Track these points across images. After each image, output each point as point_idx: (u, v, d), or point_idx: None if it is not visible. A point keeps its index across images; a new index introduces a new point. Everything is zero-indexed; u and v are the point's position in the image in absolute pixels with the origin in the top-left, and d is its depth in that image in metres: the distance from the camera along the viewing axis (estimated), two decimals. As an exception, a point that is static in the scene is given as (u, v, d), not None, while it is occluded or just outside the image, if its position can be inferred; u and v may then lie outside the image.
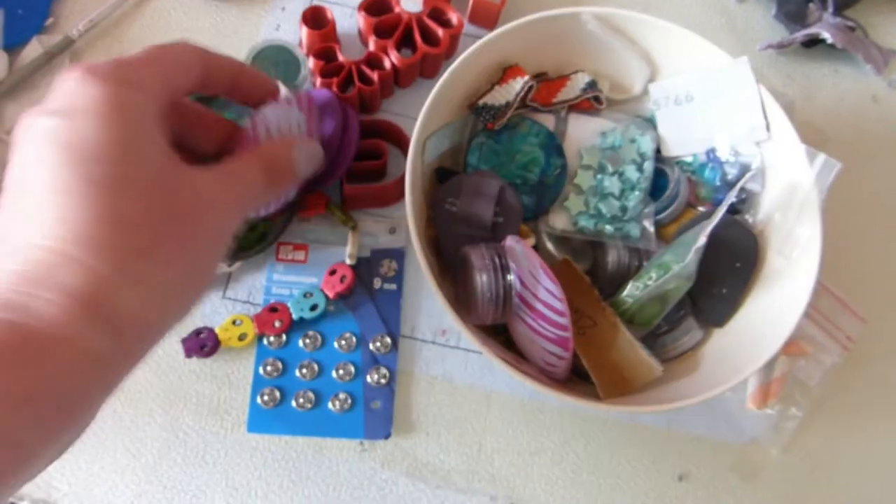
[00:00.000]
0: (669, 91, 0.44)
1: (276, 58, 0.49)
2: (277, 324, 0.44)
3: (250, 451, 0.43)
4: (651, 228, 0.43)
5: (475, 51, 0.42)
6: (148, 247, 0.25)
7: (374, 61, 0.49)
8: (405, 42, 0.50)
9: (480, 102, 0.45)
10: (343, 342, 0.45)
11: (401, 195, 0.44)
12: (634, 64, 0.46)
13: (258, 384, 0.44)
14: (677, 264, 0.40)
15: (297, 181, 0.35)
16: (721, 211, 0.40)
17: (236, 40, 0.52)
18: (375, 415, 0.44)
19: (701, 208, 0.45)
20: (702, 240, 0.39)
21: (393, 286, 0.46)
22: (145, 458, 0.43)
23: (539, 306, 0.38)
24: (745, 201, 0.44)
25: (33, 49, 0.49)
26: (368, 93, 0.48)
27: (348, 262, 0.46)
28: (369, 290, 0.46)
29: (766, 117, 0.42)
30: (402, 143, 0.49)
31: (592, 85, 0.46)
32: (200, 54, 0.31)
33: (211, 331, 0.44)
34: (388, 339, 0.45)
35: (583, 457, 0.45)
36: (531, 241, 0.43)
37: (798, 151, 0.41)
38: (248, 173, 0.31)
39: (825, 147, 0.53)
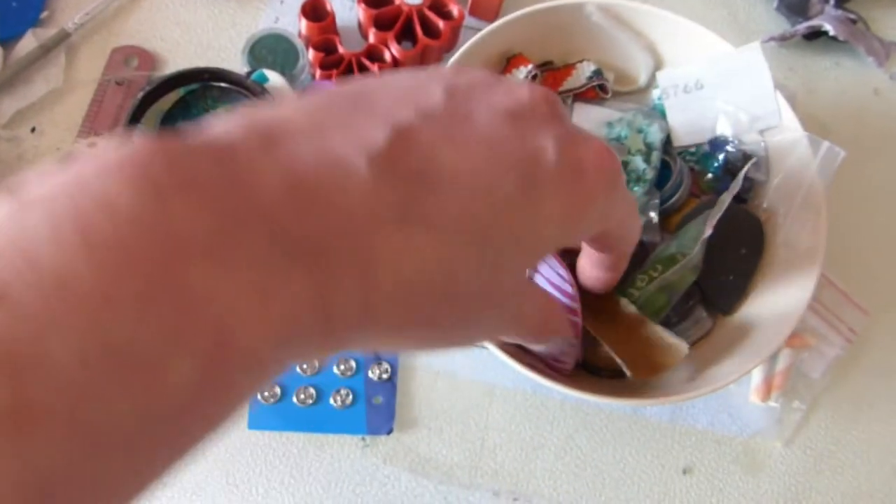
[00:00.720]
0: (678, 79, 0.44)
1: (275, 46, 0.48)
2: (278, 319, 0.44)
3: (251, 448, 0.43)
4: (656, 220, 0.43)
5: (478, 41, 0.42)
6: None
7: (374, 53, 0.48)
8: (405, 34, 0.50)
9: (484, 93, 0.44)
10: (344, 337, 0.45)
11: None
12: (639, 55, 0.45)
13: (259, 380, 0.44)
14: (683, 256, 0.40)
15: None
16: (727, 200, 0.40)
17: (234, 33, 0.51)
18: (377, 410, 0.44)
19: (703, 197, 0.45)
20: (708, 230, 0.39)
21: (394, 280, 0.46)
22: (145, 455, 0.42)
23: (550, 289, 0.37)
24: (750, 190, 0.43)
25: (28, 42, 0.48)
26: (368, 85, 0.47)
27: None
28: (370, 285, 0.46)
29: (777, 103, 0.42)
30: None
31: (598, 73, 0.45)
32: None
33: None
34: (390, 334, 0.45)
35: (586, 451, 0.45)
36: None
37: (801, 139, 0.40)
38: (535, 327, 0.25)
39: (828, 139, 0.53)
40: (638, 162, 0.44)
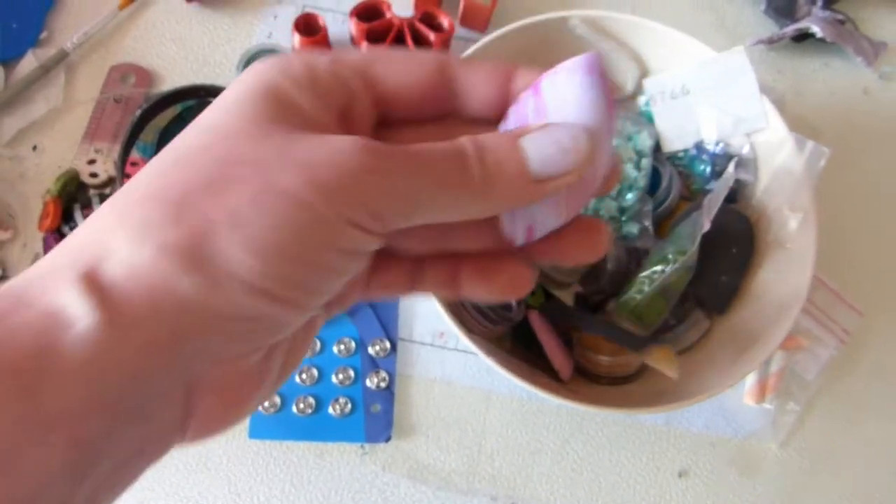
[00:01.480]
0: (665, 85, 0.45)
1: (269, 64, 0.49)
2: (276, 330, 0.45)
3: (252, 457, 0.44)
4: (650, 226, 0.43)
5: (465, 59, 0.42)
6: None
7: (366, 67, 0.49)
8: (397, 46, 0.51)
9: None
10: (342, 347, 0.45)
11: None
12: (624, 64, 0.46)
13: (258, 390, 0.44)
14: (681, 255, 0.40)
15: (543, 192, 0.18)
16: (722, 195, 0.40)
17: (229, 49, 0.52)
18: (375, 418, 0.44)
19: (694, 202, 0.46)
20: (706, 225, 0.39)
21: (390, 290, 0.47)
22: (148, 466, 0.43)
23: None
24: (738, 191, 0.44)
25: (28, 63, 0.49)
26: (361, 98, 0.48)
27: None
28: (367, 295, 0.47)
29: (763, 106, 0.42)
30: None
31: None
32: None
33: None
34: (387, 343, 0.45)
35: (582, 455, 0.45)
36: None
37: (787, 140, 0.41)
38: (440, 162, 0.17)
39: (817, 140, 0.54)
40: (629, 169, 0.44)
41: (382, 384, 0.45)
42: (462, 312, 0.40)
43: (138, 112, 0.45)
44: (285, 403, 0.44)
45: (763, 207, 0.43)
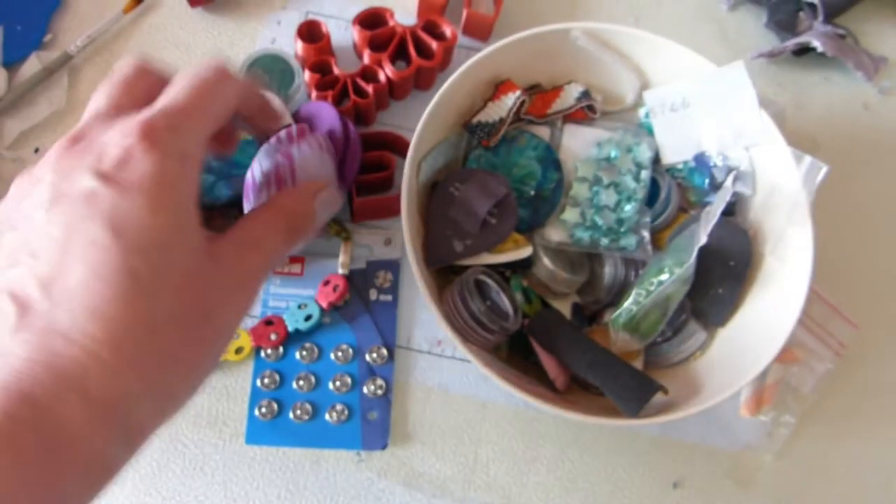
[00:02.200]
0: (665, 98, 0.45)
1: (271, 67, 0.49)
2: (273, 336, 0.45)
3: (248, 463, 0.44)
4: (647, 238, 0.44)
5: (465, 70, 0.43)
6: (175, 356, 0.24)
7: (368, 74, 0.49)
8: (400, 55, 0.51)
9: (474, 121, 0.45)
10: (340, 354, 0.45)
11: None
12: (625, 76, 0.46)
13: (256, 396, 0.44)
14: (678, 268, 0.40)
15: (316, 232, 0.32)
16: (719, 208, 0.40)
17: (233, 54, 0.52)
18: (372, 425, 0.44)
19: (692, 212, 0.46)
20: (703, 238, 0.40)
21: (389, 297, 0.47)
22: (144, 469, 0.43)
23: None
24: (736, 204, 0.44)
25: (32, 65, 0.50)
26: (364, 105, 0.48)
27: (341, 271, 0.46)
28: (365, 302, 0.47)
29: (762, 121, 0.43)
30: (406, 152, 0.49)
31: (586, 94, 0.46)
32: (237, 86, 0.29)
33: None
34: (385, 350, 0.46)
35: (578, 465, 0.45)
36: (527, 250, 0.43)
37: (785, 154, 0.41)
38: (271, 240, 0.28)
39: (817, 154, 0.53)
40: (628, 181, 0.45)
41: (379, 392, 0.45)
42: (459, 322, 0.40)
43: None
44: (282, 410, 0.44)
45: (761, 221, 0.43)
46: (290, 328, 0.45)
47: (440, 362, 0.46)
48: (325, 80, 0.49)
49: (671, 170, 0.46)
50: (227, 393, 0.45)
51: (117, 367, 0.22)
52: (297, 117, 0.48)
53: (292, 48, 0.51)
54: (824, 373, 0.47)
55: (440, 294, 0.42)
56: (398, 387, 0.46)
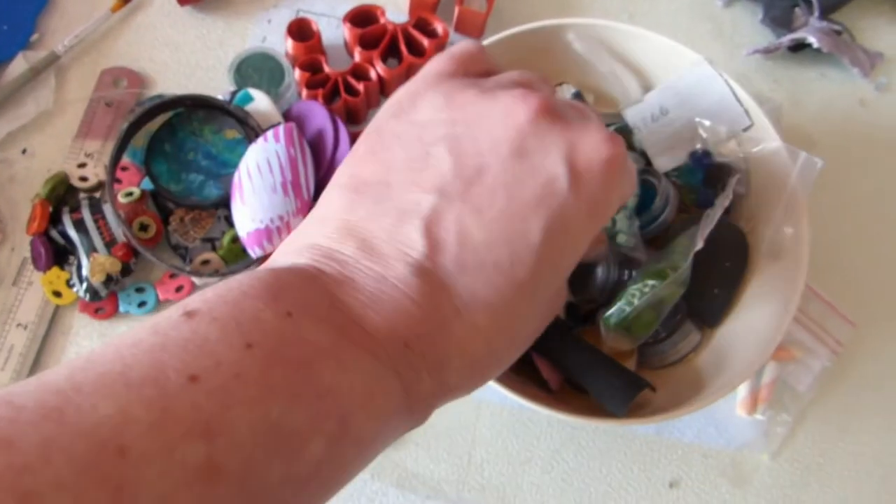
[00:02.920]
0: (643, 112, 0.44)
1: (261, 65, 0.49)
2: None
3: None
4: (640, 242, 0.43)
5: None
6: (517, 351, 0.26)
7: (359, 72, 0.49)
8: (391, 52, 0.50)
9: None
10: (332, 354, 0.45)
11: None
12: (626, 81, 0.46)
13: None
14: (674, 270, 0.40)
15: None
16: (717, 213, 0.40)
17: (222, 53, 0.52)
18: (365, 427, 0.44)
19: (691, 214, 0.45)
20: (699, 243, 0.39)
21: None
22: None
23: None
24: (731, 203, 0.44)
25: (19, 65, 0.49)
26: (354, 104, 0.48)
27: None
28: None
29: (742, 105, 0.42)
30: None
31: (578, 95, 0.46)
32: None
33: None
34: (377, 351, 0.45)
35: (573, 465, 0.45)
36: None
37: (779, 150, 0.41)
38: None
39: (813, 151, 0.53)
40: None
41: (372, 393, 0.44)
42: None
43: (125, 125, 0.44)
44: (274, 411, 0.44)
45: (756, 219, 0.43)
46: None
47: (433, 363, 0.46)
48: (316, 79, 0.48)
49: (667, 173, 0.45)
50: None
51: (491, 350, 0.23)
52: (287, 116, 0.47)
53: (283, 46, 0.51)
54: (821, 371, 0.47)
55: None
56: (391, 388, 0.45)
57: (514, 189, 0.22)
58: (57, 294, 0.45)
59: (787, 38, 0.53)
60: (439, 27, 0.49)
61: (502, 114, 0.23)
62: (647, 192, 0.45)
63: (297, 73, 0.48)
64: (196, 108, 0.47)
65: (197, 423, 0.15)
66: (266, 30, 0.52)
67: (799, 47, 0.54)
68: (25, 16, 0.51)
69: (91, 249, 0.44)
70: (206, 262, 0.45)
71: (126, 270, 0.45)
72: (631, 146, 0.45)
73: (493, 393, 0.46)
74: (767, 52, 0.54)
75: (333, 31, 0.52)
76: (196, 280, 0.45)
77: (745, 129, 0.43)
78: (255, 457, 0.16)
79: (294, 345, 0.18)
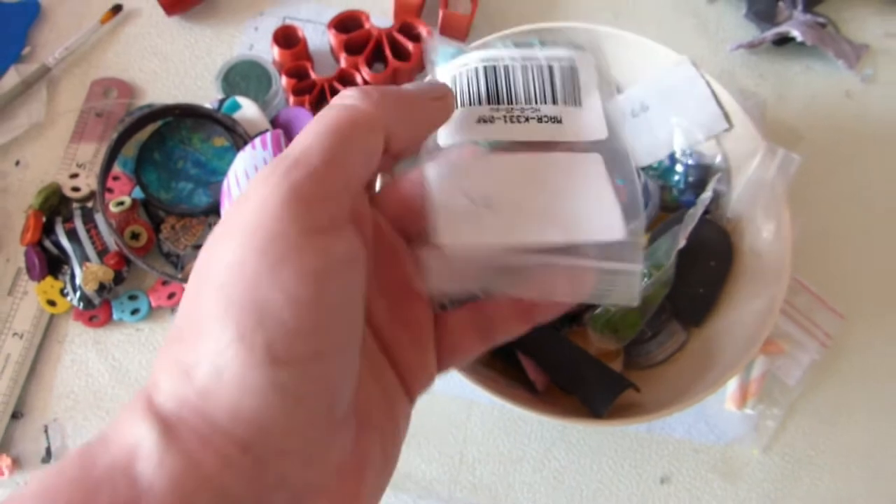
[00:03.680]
0: (623, 106, 0.45)
1: (248, 72, 0.50)
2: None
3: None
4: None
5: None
6: None
7: (345, 78, 0.49)
8: (376, 57, 0.51)
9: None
10: (322, 357, 0.45)
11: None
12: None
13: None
14: (657, 269, 0.40)
15: None
16: (698, 212, 0.40)
17: (210, 61, 0.52)
18: (356, 428, 0.44)
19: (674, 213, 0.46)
20: (681, 242, 0.40)
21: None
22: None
23: None
24: (712, 201, 0.44)
25: (11, 78, 0.50)
26: (341, 109, 0.48)
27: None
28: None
29: (722, 108, 0.43)
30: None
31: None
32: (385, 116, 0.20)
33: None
34: (367, 353, 0.45)
35: (564, 463, 0.45)
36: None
37: (759, 148, 0.41)
38: None
39: (800, 144, 0.54)
40: None
41: (363, 394, 0.45)
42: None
43: (115, 134, 0.45)
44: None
45: (737, 217, 0.43)
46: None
47: (424, 364, 0.46)
48: (303, 85, 0.49)
49: (646, 168, 0.46)
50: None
51: None
52: (275, 123, 0.48)
53: (270, 54, 0.51)
54: (810, 364, 0.47)
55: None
56: (382, 389, 0.46)
57: None
58: (51, 303, 0.45)
59: (772, 33, 0.53)
60: (424, 31, 0.50)
61: None
62: (629, 190, 0.45)
63: (284, 79, 0.49)
64: (184, 117, 0.47)
65: None
66: (253, 37, 0.53)
67: (783, 41, 0.54)
68: (17, 30, 0.52)
69: (84, 259, 0.45)
70: (197, 269, 0.46)
71: (119, 279, 0.45)
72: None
73: (484, 393, 0.46)
74: (752, 46, 0.54)
75: (319, 38, 0.53)
76: (187, 286, 0.45)
77: (725, 132, 0.43)
78: None
79: None
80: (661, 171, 0.45)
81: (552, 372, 0.40)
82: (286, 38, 0.50)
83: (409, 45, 0.49)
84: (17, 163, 0.49)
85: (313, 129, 0.18)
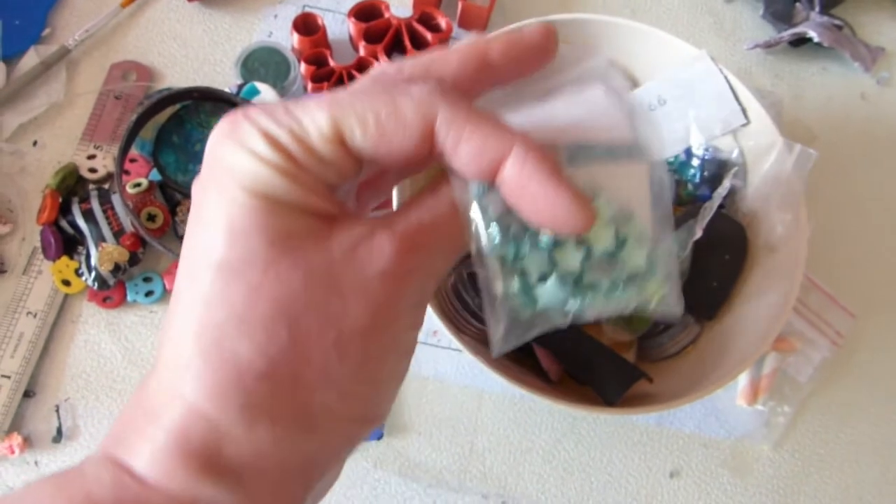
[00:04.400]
0: (641, 99, 0.45)
1: (267, 59, 0.50)
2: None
3: (245, 452, 0.44)
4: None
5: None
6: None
7: (364, 66, 0.49)
8: (395, 47, 0.51)
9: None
10: (335, 343, 0.45)
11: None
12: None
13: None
14: None
15: None
16: (714, 205, 0.40)
17: (229, 47, 0.52)
18: (368, 415, 0.44)
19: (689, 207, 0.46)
20: (698, 232, 0.40)
21: (384, 287, 0.47)
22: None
23: None
24: (728, 196, 0.44)
25: (30, 59, 0.50)
26: (359, 97, 0.48)
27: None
28: (361, 292, 0.47)
29: (739, 103, 0.43)
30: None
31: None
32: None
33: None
34: (380, 340, 0.46)
35: (574, 455, 0.45)
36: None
37: (776, 143, 0.41)
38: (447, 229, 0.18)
39: (814, 145, 0.54)
40: None
41: (375, 381, 0.45)
42: (453, 314, 0.40)
43: (134, 116, 0.45)
44: (278, 399, 0.44)
45: (753, 212, 0.43)
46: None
47: (436, 352, 0.46)
48: (321, 73, 0.49)
49: (664, 161, 0.46)
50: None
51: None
52: (292, 109, 0.48)
53: (289, 41, 0.51)
54: (821, 362, 0.47)
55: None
56: (394, 377, 0.46)
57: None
58: (66, 283, 0.45)
59: (788, 33, 0.54)
60: (443, 22, 0.50)
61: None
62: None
63: (303, 66, 0.49)
64: (203, 101, 0.48)
65: None
66: (272, 25, 0.53)
67: (800, 42, 0.55)
68: (37, 11, 0.52)
69: (100, 239, 0.45)
70: (212, 252, 0.46)
71: (134, 260, 0.45)
72: None
73: (495, 383, 0.46)
74: (768, 46, 0.54)
75: (339, 26, 0.53)
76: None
77: (742, 127, 0.43)
78: None
79: None
80: (677, 166, 0.45)
81: (567, 361, 0.40)
82: (306, 25, 0.50)
83: (428, 36, 0.49)
84: (35, 143, 0.49)
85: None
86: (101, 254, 0.44)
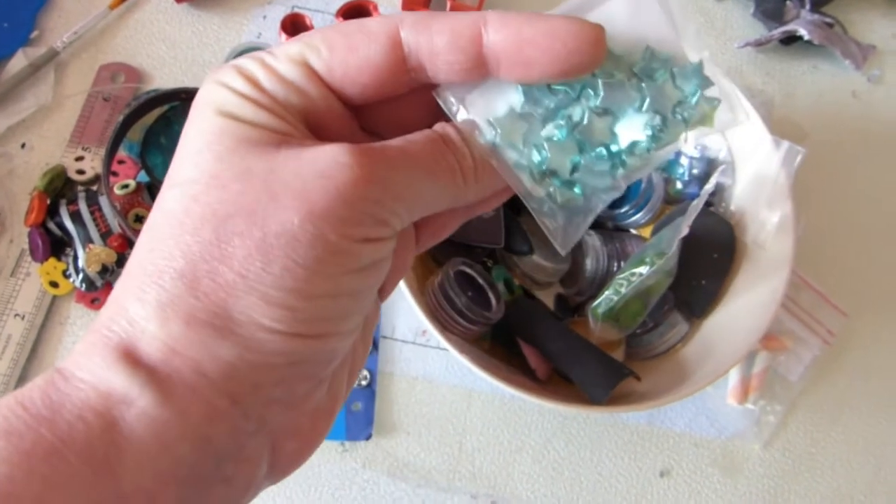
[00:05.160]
0: None
1: (257, 64, 0.50)
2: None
3: (233, 453, 0.44)
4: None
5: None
6: None
7: (352, 66, 0.49)
8: (383, 47, 0.51)
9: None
10: (324, 344, 0.45)
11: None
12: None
13: (240, 387, 0.44)
14: (661, 256, 0.40)
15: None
16: (701, 202, 0.40)
17: (218, 48, 0.52)
18: (356, 416, 0.44)
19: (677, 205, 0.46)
20: (684, 230, 0.40)
21: (373, 288, 0.47)
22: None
23: None
24: (716, 194, 0.44)
25: (18, 61, 0.50)
26: (347, 97, 0.48)
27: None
28: (350, 292, 0.47)
29: (728, 101, 0.42)
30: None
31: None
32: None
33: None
34: (369, 341, 0.45)
35: (564, 454, 0.45)
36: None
37: (764, 141, 0.41)
38: (425, 155, 0.17)
39: (805, 143, 0.54)
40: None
41: (363, 382, 0.45)
42: (441, 313, 0.40)
43: (121, 118, 0.45)
44: (267, 400, 0.44)
45: (741, 210, 0.43)
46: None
47: (425, 352, 0.46)
48: (309, 73, 0.49)
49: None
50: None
51: None
52: (280, 109, 0.48)
53: (277, 42, 0.51)
54: (812, 361, 0.47)
55: (422, 284, 0.42)
56: (382, 377, 0.46)
57: None
58: (54, 284, 0.45)
59: (779, 31, 0.54)
60: (431, 21, 0.50)
61: None
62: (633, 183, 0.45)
63: (291, 67, 0.49)
64: (191, 102, 0.47)
65: None
66: (261, 25, 0.53)
67: (791, 40, 0.54)
68: (25, 13, 0.52)
69: (87, 240, 0.45)
70: (200, 253, 0.46)
71: (121, 261, 0.45)
72: None
73: (484, 383, 0.46)
74: (759, 44, 0.54)
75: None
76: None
77: (729, 129, 0.43)
78: None
79: None
80: (666, 164, 0.45)
81: (554, 359, 0.40)
82: (294, 26, 0.50)
83: (417, 35, 0.49)
84: (23, 145, 0.49)
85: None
86: (89, 255, 0.44)
